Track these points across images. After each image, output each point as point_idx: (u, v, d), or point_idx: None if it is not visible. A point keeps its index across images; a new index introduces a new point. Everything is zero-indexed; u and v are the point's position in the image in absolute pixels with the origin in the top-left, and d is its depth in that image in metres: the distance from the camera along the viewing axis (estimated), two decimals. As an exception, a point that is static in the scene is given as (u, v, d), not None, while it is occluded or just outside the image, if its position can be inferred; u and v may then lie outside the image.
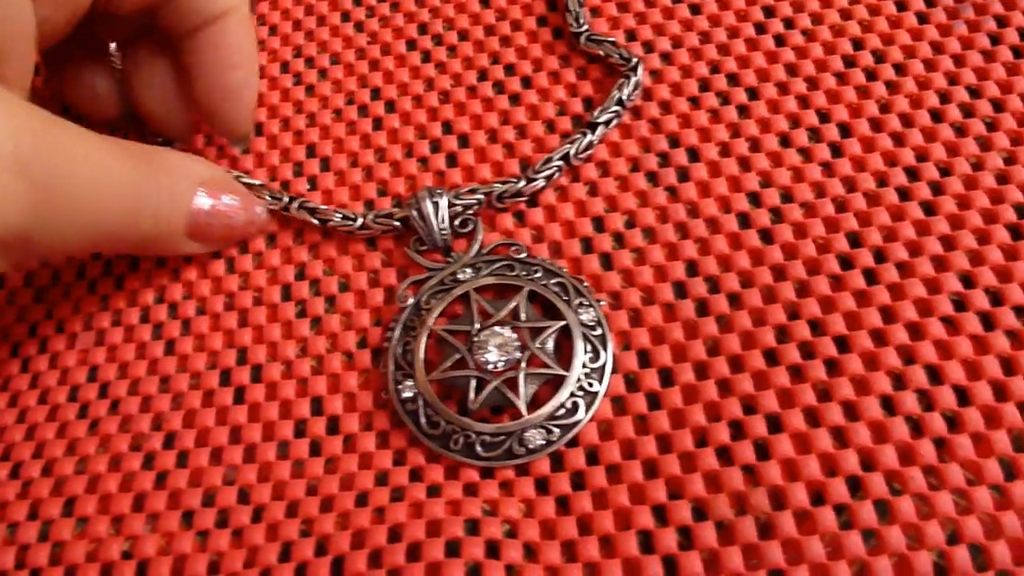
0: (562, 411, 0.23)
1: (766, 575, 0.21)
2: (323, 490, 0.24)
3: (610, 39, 0.29)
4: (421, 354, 0.25)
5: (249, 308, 0.27)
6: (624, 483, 0.23)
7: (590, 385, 0.24)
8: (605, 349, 0.24)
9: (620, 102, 0.28)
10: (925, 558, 0.21)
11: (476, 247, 0.26)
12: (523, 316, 0.25)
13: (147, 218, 0.24)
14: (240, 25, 0.27)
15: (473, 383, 0.24)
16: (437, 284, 0.26)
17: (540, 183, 0.27)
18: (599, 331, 0.24)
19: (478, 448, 0.23)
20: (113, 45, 0.30)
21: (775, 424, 0.23)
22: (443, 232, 0.26)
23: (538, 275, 0.25)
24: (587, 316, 0.24)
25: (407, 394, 0.24)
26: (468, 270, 0.26)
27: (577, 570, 0.21)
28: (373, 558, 0.22)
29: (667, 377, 0.24)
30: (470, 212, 0.27)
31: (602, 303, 0.25)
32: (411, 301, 0.26)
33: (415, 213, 0.26)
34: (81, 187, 0.21)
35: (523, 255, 0.26)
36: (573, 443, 0.24)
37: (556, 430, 0.23)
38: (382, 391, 0.25)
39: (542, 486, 0.23)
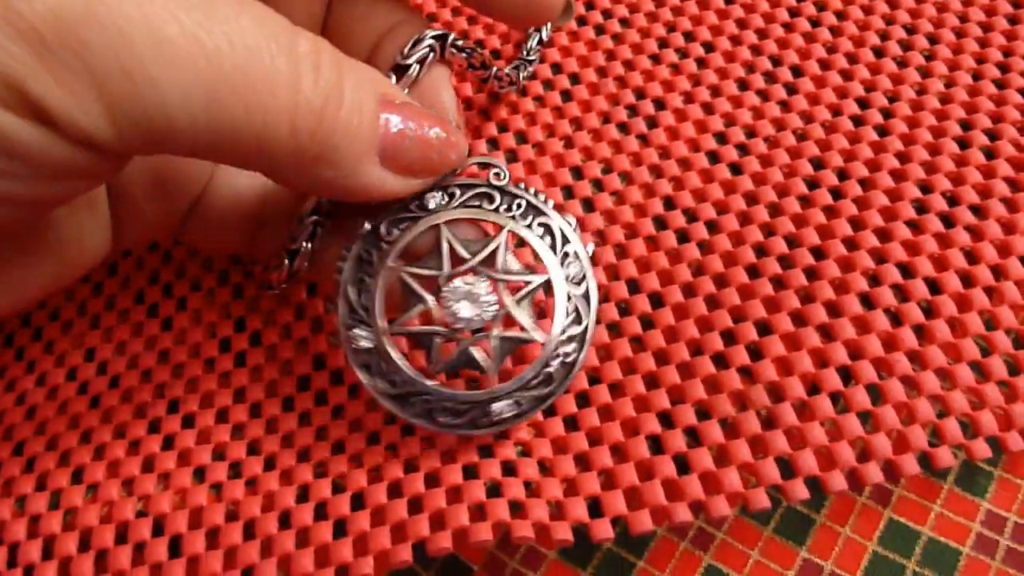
0: (535, 381, 0.21)
1: (774, 462, 0.22)
2: (333, 435, 0.24)
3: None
4: (379, 299, 0.21)
5: (243, 282, 0.28)
6: (628, 396, 0.23)
7: (567, 356, 0.21)
8: (588, 312, 0.22)
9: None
10: (919, 432, 0.22)
11: None
12: (501, 265, 0.21)
13: (325, 119, 0.18)
14: None
15: (438, 341, 0.21)
16: (399, 208, 0.22)
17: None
18: (583, 288, 0.22)
19: (438, 415, 0.21)
20: None
21: (765, 328, 0.24)
22: None
23: (520, 210, 0.22)
24: (573, 269, 0.22)
25: (362, 344, 0.21)
26: (439, 194, 0.22)
27: (592, 478, 0.22)
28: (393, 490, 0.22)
29: (657, 300, 0.25)
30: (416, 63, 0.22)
31: (591, 248, 0.22)
32: (367, 227, 0.22)
33: None
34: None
35: (505, 181, 0.22)
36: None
37: (525, 401, 0.21)
38: (330, 334, 0.22)
39: (548, 410, 0.24)
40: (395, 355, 0.21)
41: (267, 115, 0.17)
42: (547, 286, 0.22)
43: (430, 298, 0.21)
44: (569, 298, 0.22)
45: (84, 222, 0.22)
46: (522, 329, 0.21)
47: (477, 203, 0.22)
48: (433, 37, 0.23)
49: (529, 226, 0.22)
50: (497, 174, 0.22)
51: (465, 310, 0.21)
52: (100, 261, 0.23)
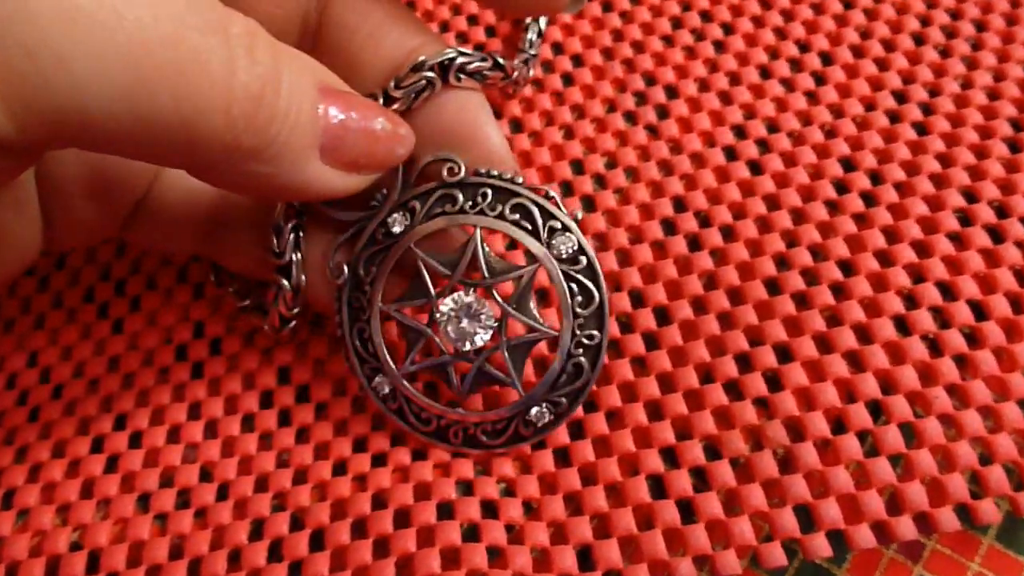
0: (564, 377, 0.20)
1: (792, 512, 0.19)
2: (295, 460, 0.21)
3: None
4: (382, 342, 0.20)
5: (204, 280, 0.25)
6: (627, 427, 0.21)
7: (589, 338, 0.20)
8: (597, 286, 0.20)
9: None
10: (959, 481, 0.19)
11: (399, 178, 0.20)
12: (484, 269, 0.20)
13: (263, 108, 0.15)
14: None
15: (452, 368, 0.20)
16: (368, 243, 0.20)
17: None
18: (583, 262, 0.20)
19: (481, 437, 0.20)
20: None
21: (785, 353, 0.21)
22: None
23: (487, 200, 0.20)
24: (566, 246, 0.20)
25: (385, 390, 0.21)
26: (399, 215, 0.20)
27: (583, 523, 0.19)
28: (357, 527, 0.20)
29: (663, 315, 0.22)
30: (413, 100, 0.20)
31: (579, 215, 0.20)
32: (345, 271, 0.20)
33: None
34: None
35: (461, 175, 0.20)
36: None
37: (563, 400, 0.20)
38: (358, 386, 0.21)
39: (539, 443, 0.21)
40: (417, 394, 0.20)
41: (199, 102, 0.14)
42: (540, 273, 0.20)
43: (427, 330, 0.20)
44: (569, 277, 0.20)
45: (9, 222, 0.19)
46: (529, 328, 0.20)
47: (440, 209, 0.20)
48: (431, 66, 0.19)
49: (501, 214, 0.20)
50: (451, 168, 0.20)
51: (463, 327, 0.20)
52: (28, 264, 0.20)
